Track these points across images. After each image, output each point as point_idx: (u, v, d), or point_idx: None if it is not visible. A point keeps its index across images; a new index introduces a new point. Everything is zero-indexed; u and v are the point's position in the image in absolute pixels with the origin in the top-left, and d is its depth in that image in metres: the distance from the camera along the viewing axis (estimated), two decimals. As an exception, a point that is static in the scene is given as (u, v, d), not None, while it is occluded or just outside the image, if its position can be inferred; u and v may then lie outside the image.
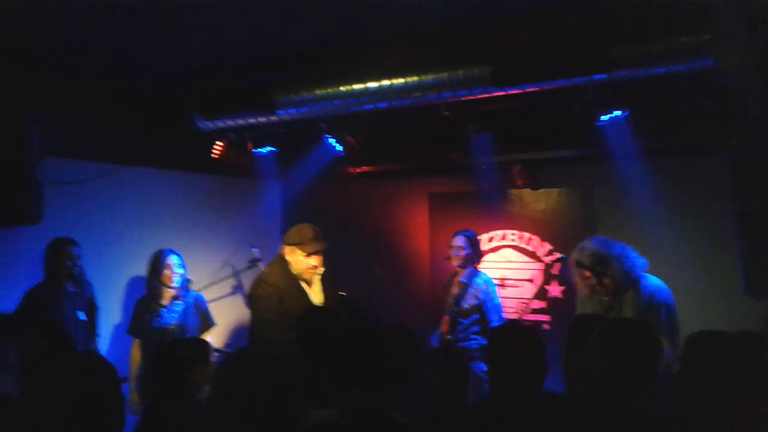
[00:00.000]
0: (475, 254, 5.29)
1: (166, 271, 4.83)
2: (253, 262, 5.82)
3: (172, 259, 4.86)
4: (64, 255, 4.59)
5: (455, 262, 5.26)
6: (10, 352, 3.57)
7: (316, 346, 2.88)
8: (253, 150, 5.61)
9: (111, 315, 5.31)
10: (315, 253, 4.34)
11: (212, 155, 5.47)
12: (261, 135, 5.43)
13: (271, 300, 4.21)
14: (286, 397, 1.99)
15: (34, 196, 4.35)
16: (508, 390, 2.47)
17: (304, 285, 4.40)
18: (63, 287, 4.59)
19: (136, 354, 4.91)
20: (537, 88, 4.08)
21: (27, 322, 4.19)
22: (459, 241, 5.25)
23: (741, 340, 2.56)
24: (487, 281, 5.24)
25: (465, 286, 5.17)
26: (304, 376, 2.76)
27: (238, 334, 5.94)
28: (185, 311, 4.83)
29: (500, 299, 5.25)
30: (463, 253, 5.22)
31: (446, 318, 5.16)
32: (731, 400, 2.21)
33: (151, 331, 4.80)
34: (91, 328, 4.77)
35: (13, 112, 4.30)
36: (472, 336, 5.09)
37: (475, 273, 5.24)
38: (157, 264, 4.86)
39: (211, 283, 5.86)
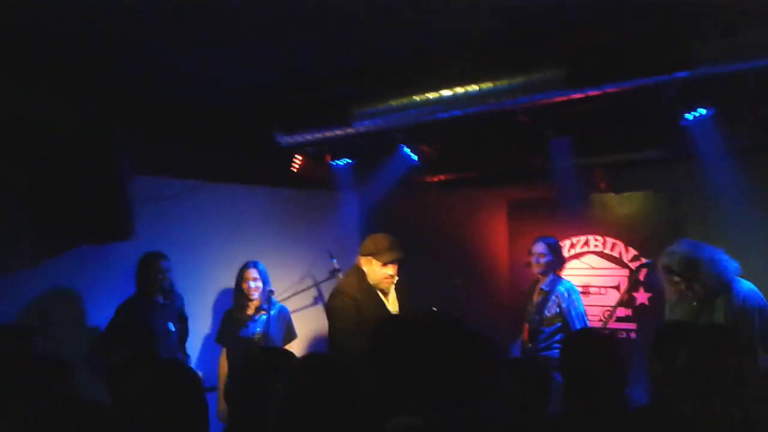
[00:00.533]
0: (557, 261, 5.17)
1: (246, 283, 4.98)
2: (333, 273, 5.89)
3: (251, 273, 5.00)
4: (155, 269, 4.77)
5: (536, 270, 5.16)
6: (101, 362, 3.76)
7: (393, 354, 2.87)
8: (331, 162, 5.69)
9: (201, 326, 5.50)
10: (391, 262, 4.34)
11: (292, 169, 5.60)
12: (338, 147, 5.51)
13: (349, 310, 4.22)
14: (355, 404, 2.00)
15: (125, 213, 4.58)
16: (582, 401, 2.39)
17: (381, 295, 4.42)
18: (154, 300, 4.77)
19: (224, 363, 5.07)
20: (616, 89, 3.95)
21: (118, 334, 4.40)
22: (540, 247, 5.14)
23: None
24: (570, 288, 5.11)
25: (547, 294, 5.06)
26: (381, 384, 2.76)
27: (318, 345, 6.02)
28: (269, 322, 4.94)
29: (584, 307, 5.12)
30: (544, 259, 5.11)
31: (527, 326, 5.07)
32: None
33: (238, 341, 4.95)
34: (180, 338, 4.95)
35: (102, 133, 4.54)
36: (555, 345, 4.96)
37: (558, 280, 5.12)
38: (240, 276, 5.01)
39: (293, 294, 5.96)
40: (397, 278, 4.46)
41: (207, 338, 5.53)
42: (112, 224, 4.53)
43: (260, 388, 2.85)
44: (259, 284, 5.00)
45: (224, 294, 5.59)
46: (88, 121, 4.52)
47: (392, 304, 4.48)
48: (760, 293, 3.91)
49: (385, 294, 4.45)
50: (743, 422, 2.13)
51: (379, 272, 4.35)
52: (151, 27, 3.64)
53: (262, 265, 5.10)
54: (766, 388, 2.27)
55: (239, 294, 5.06)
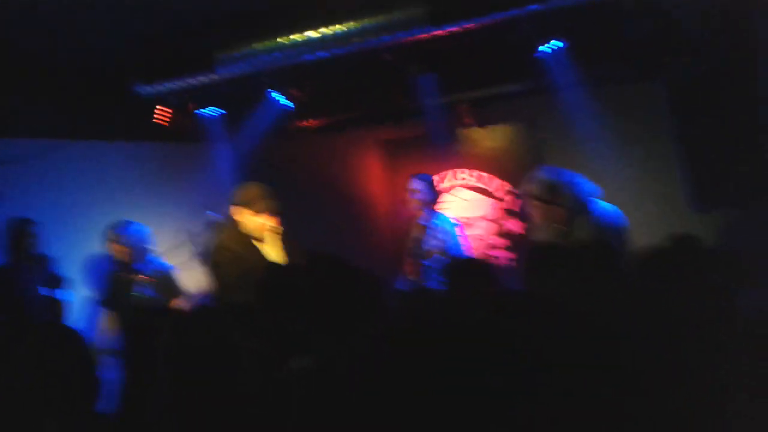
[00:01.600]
0: (432, 196, 5.33)
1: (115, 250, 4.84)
2: (210, 226, 5.77)
3: (117, 238, 4.89)
4: (23, 234, 4.62)
5: (413, 206, 5.30)
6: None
7: (279, 301, 2.89)
8: (197, 112, 5.52)
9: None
10: (263, 211, 4.27)
11: (155, 121, 5.38)
12: (204, 96, 5.34)
13: (228, 264, 4.16)
14: (227, 354, 2.03)
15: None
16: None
17: (257, 244, 4.38)
18: (23, 266, 4.62)
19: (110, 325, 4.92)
20: (475, 24, 4.07)
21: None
22: (416, 184, 5.27)
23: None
24: (447, 222, 5.30)
25: (425, 229, 5.23)
26: (270, 331, 2.78)
27: (203, 299, 5.93)
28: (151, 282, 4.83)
29: (461, 239, 5.33)
30: (420, 196, 5.26)
31: (409, 261, 5.22)
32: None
33: (125, 303, 4.80)
34: (56, 300, 4.78)
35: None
36: (436, 277, 5.17)
37: (435, 215, 5.30)
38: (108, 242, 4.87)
39: (171, 251, 5.80)
40: (281, 228, 4.42)
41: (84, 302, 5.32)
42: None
43: (147, 346, 2.79)
44: (128, 248, 4.85)
45: (97, 257, 5.37)
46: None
47: (274, 253, 4.44)
48: (619, 213, 4.18)
49: (262, 242, 4.41)
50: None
51: (252, 221, 4.28)
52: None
53: (131, 227, 4.93)
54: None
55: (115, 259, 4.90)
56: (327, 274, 2.53)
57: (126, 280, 4.87)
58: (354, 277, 2.65)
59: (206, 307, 2.31)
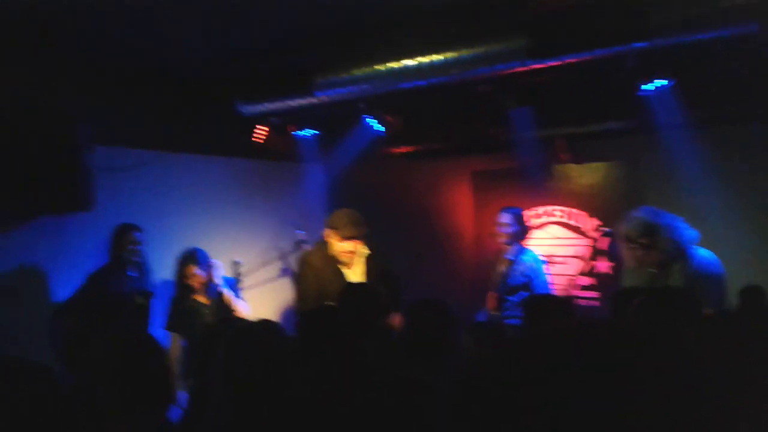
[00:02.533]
0: (521, 231, 5.24)
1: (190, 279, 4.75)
2: (298, 244, 5.89)
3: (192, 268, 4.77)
4: (127, 239, 4.77)
5: (501, 239, 5.22)
6: (57, 327, 3.71)
7: (353, 319, 2.92)
8: (294, 133, 5.67)
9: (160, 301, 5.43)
10: (349, 237, 4.47)
11: (256, 140, 5.56)
12: (301, 118, 5.48)
13: (310, 278, 4.43)
14: (276, 368, 2.03)
15: (85, 184, 4.51)
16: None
17: (343, 267, 4.55)
18: (125, 271, 4.77)
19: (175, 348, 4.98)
20: (576, 59, 3.98)
21: (83, 303, 4.38)
22: (505, 217, 5.20)
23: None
24: (534, 258, 5.19)
25: (511, 264, 5.14)
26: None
27: (286, 314, 6.04)
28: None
29: (547, 276, 5.21)
30: (508, 229, 5.18)
31: (492, 295, 5.14)
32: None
33: (193, 327, 4.82)
34: (146, 312, 4.90)
35: (62, 104, 4.45)
36: (520, 314, 5.05)
37: (522, 250, 5.20)
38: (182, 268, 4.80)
39: (259, 266, 5.95)
40: (367, 251, 4.59)
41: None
42: (72, 195, 4.47)
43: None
44: (202, 273, 4.76)
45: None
46: (46, 91, 4.43)
47: (356, 276, 4.57)
48: (717, 261, 3.97)
49: (349, 267, 4.56)
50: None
51: (338, 246, 4.51)
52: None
53: (202, 252, 4.83)
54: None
55: (185, 285, 4.79)
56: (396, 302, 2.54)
57: (194, 305, 4.80)
58: (427, 309, 2.64)
59: (265, 323, 2.32)
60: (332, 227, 4.51)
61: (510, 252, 5.18)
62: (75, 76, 4.61)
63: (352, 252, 4.53)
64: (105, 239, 4.82)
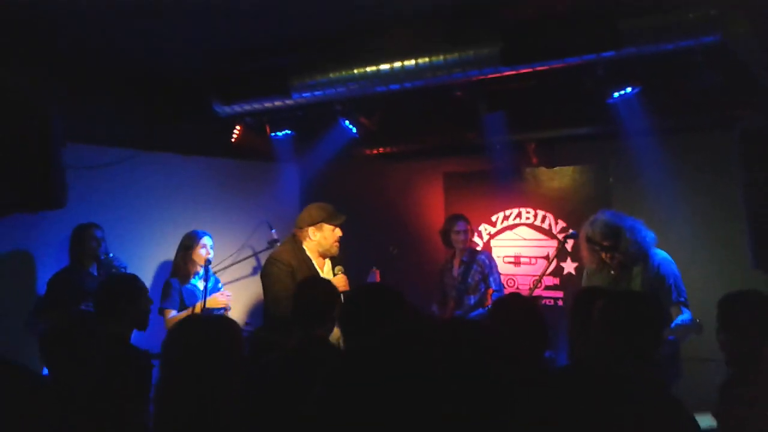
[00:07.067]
0: (472, 235, 5.61)
1: (198, 252, 4.98)
2: (272, 243, 5.92)
3: (207, 241, 5.06)
4: (87, 237, 4.72)
5: (460, 245, 5.43)
6: (39, 327, 3.70)
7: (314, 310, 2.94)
8: (271, 134, 5.69)
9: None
10: (341, 224, 4.47)
11: (231, 140, 5.59)
12: (278, 118, 5.50)
13: (284, 276, 4.30)
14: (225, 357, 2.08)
15: (58, 181, 4.45)
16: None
17: (315, 264, 4.49)
18: (87, 270, 4.72)
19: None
20: (547, 67, 4.10)
21: (49, 304, 4.36)
22: (462, 225, 5.42)
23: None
24: (489, 256, 5.57)
25: (468, 264, 5.33)
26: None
27: (256, 312, 6.06)
28: (206, 292, 4.93)
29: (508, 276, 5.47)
30: (466, 236, 5.40)
31: (452, 303, 5.33)
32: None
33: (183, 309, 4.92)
34: None
35: (35, 98, 4.40)
36: (481, 310, 5.26)
37: (474, 251, 5.51)
38: (191, 245, 5.00)
39: (231, 264, 5.96)
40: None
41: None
42: (43, 192, 4.42)
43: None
44: (210, 253, 5.03)
45: (163, 266, 5.55)
46: (19, 86, 4.39)
47: (326, 273, 4.55)
48: (673, 262, 4.11)
49: (321, 265, 4.54)
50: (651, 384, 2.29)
51: (331, 236, 4.47)
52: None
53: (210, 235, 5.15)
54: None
55: (187, 263, 5.04)
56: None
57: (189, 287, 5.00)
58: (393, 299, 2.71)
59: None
60: (323, 219, 4.43)
61: (464, 255, 5.46)
62: (50, 72, 4.56)
63: (337, 240, 4.50)
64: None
